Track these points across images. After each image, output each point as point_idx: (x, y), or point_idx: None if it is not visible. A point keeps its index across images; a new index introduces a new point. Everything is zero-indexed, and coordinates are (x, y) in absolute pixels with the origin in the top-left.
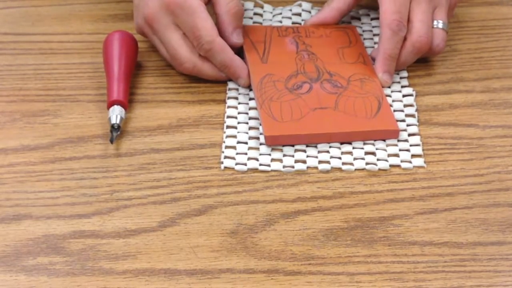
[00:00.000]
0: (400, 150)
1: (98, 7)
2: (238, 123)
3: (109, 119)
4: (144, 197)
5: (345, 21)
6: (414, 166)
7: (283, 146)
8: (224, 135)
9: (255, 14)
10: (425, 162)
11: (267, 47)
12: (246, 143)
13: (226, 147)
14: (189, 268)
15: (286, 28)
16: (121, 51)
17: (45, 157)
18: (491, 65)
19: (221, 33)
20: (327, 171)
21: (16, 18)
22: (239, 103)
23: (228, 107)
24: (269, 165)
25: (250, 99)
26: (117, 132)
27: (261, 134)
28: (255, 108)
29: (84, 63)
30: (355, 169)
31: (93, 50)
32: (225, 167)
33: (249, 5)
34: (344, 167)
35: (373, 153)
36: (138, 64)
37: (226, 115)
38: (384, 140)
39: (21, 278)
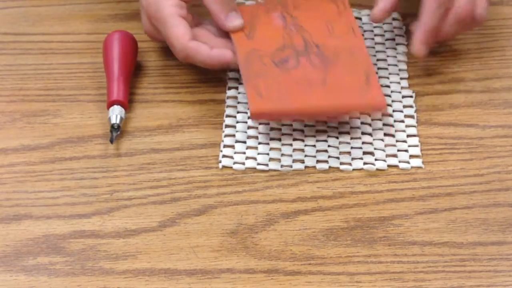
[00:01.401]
0: (398, 150)
1: (98, 7)
2: (237, 122)
3: (109, 119)
4: (144, 197)
5: None
6: (412, 167)
7: (281, 143)
8: (223, 134)
9: None
10: (423, 163)
11: (254, 25)
12: (244, 142)
13: (225, 146)
14: (189, 268)
15: (274, 5)
16: (121, 51)
17: (45, 157)
18: (491, 65)
19: (216, 24)
20: (325, 171)
21: (16, 18)
22: (238, 103)
23: (227, 106)
24: (267, 164)
25: None
26: (117, 132)
27: (260, 133)
28: None
29: (84, 63)
30: (353, 169)
31: (93, 50)
32: (224, 166)
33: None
34: (342, 167)
35: (371, 153)
36: (138, 64)
37: (225, 114)
38: (382, 140)
39: (21, 278)
